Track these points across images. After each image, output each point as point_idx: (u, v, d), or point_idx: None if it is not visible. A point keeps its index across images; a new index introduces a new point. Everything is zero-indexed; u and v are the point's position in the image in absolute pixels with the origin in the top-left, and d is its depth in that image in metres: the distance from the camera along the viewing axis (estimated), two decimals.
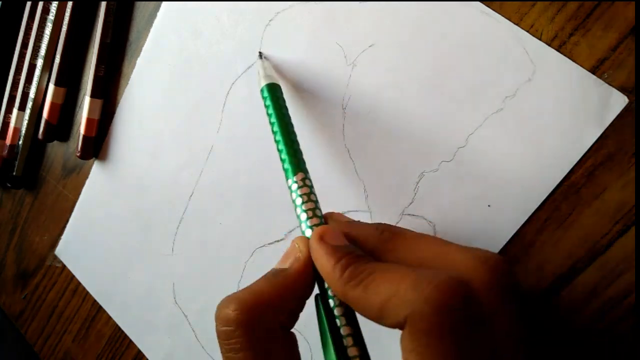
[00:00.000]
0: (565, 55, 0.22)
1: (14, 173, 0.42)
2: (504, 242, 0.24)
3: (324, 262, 0.18)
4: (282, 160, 0.24)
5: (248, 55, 0.30)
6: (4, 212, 0.47)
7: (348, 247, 0.19)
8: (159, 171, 0.35)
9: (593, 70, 0.22)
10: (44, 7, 0.39)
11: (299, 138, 0.25)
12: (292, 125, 0.25)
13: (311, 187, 0.22)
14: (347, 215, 0.24)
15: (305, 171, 0.23)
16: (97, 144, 0.38)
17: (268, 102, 0.26)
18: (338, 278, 0.18)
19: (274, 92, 0.26)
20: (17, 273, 0.47)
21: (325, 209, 0.22)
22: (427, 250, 0.18)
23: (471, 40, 0.24)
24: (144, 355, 0.38)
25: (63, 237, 0.42)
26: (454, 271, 0.16)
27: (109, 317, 0.39)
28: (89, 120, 0.37)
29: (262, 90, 0.26)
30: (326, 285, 0.20)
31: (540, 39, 0.23)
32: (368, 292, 0.17)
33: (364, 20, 0.27)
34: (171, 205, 0.35)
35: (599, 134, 0.22)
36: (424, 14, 0.25)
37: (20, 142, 0.41)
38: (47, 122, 0.39)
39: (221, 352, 0.18)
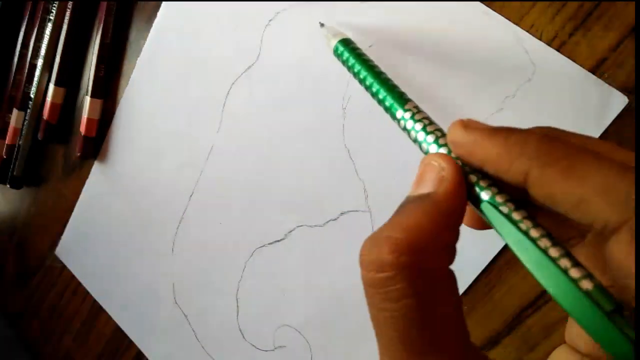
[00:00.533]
0: (565, 55, 0.22)
1: (14, 173, 0.42)
2: (504, 242, 0.24)
3: (494, 144, 0.15)
4: (383, 100, 0.22)
5: (248, 55, 0.30)
6: (4, 212, 0.47)
7: (512, 127, 0.15)
8: (159, 171, 0.35)
9: (593, 70, 0.22)
10: (44, 7, 0.39)
11: (299, 138, 0.25)
12: (379, 67, 0.23)
13: (427, 115, 0.20)
14: (346, 215, 0.24)
15: (412, 101, 0.21)
16: (97, 144, 0.38)
17: (346, 55, 0.24)
18: (519, 156, 0.14)
19: (347, 44, 0.25)
20: (17, 273, 0.47)
21: (325, 208, 0.22)
22: (617, 155, 0.14)
23: (471, 40, 0.24)
24: (144, 355, 0.38)
25: (63, 237, 0.42)
26: None
27: (109, 317, 0.39)
28: (89, 120, 0.37)
29: (335, 49, 0.25)
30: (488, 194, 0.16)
31: (540, 39, 0.23)
32: (570, 177, 0.13)
33: (364, 20, 0.26)
34: (171, 205, 0.35)
35: (599, 134, 0.22)
36: (424, 14, 0.25)
37: (20, 142, 0.41)
38: (47, 122, 0.39)
39: (369, 304, 0.16)
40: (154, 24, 0.34)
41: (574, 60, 0.22)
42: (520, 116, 0.23)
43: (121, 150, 0.37)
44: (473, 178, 0.16)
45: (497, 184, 0.16)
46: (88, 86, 0.37)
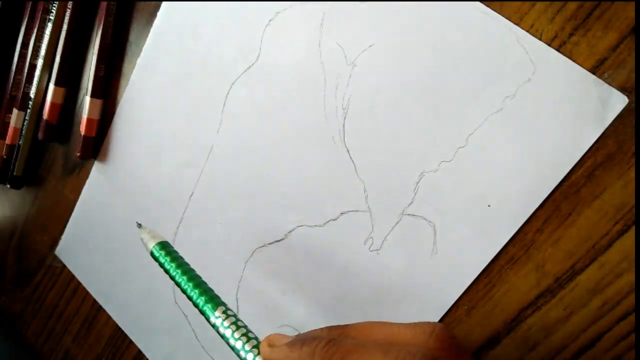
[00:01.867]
0: (565, 55, 0.22)
1: (14, 173, 0.42)
2: (504, 242, 0.24)
3: (294, 356, 0.18)
4: (197, 305, 0.25)
5: (248, 55, 0.30)
6: (4, 212, 0.47)
7: (305, 334, 0.19)
8: (159, 171, 0.35)
9: (593, 70, 0.22)
10: (44, 7, 0.39)
11: (299, 138, 0.25)
12: (193, 270, 0.27)
13: (235, 315, 0.23)
14: (346, 215, 0.24)
15: (223, 304, 0.24)
16: (97, 144, 0.38)
17: (163, 259, 0.27)
18: None
19: (164, 248, 0.27)
20: (17, 273, 0.47)
21: (325, 208, 0.22)
22: (379, 334, 0.19)
23: (471, 40, 0.24)
24: (144, 355, 0.38)
25: (63, 237, 0.42)
26: (414, 347, 0.18)
27: (109, 317, 0.39)
28: (89, 120, 0.37)
29: (152, 252, 0.28)
30: None
31: (540, 39, 0.23)
32: None
33: (364, 20, 0.27)
34: (171, 205, 0.35)
35: (599, 134, 0.22)
36: (424, 14, 0.25)
37: (20, 142, 0.41)
38: (47, 122, 0.39)
39: None
40: (154, 24, 0.34)
41: (574, 60, 0.22)
42: (520, 116, 0.23)
43: (121, 150, 0.37)
44: None
45: None
46: (88, 86, 0.37)
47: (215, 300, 0.24)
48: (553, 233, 0.23)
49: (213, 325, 0.24)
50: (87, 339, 0.42)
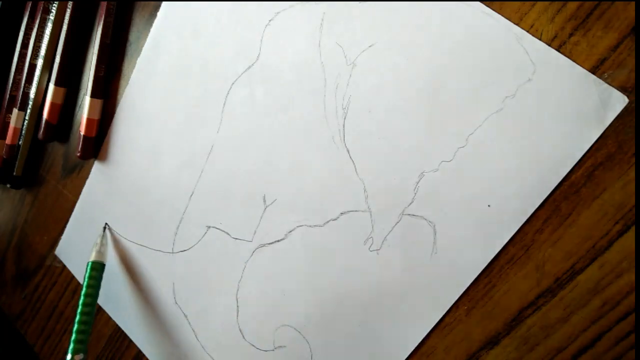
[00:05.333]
0: (565, 55, 0.22)
1: (14, 173, 0.42)
2: (504, 242, 0.24)
3: None
4: (72, 333, 0.28)
5: (248, 55, 0.30)
6: (4, 212, 0.47)
7: None
8: (159, 171, 0.35)
9: (593, 70, 0.22)
10: (44, 7, 0.39)
11: (299, 138, 0.25)
12: (94, 307, 0.30)
13: None
14: (346, 215, 0.24)
15: (85, 351, 0.27)
16: (97, 144, 0.38)
17: (86, 280, 0.31)
18: None
19: (96, 270, 0.31)
20: (17, 273, 0.47)
21: (325, 208, 0.22)
22: None
23: (471, 40, 0.24)
24: (144, 355, 0.38)
25: (63, 237, 0.42)
26: None
27: (109, 317, 0.39)
28: (89, 120, 0.37)
29: (87, 264, 0.31)
30: None
31: (540, 39, 0.23)
32: None
33: (364, 20, 0.27)
34: (171, 205, 0.35)
35: (599, 134, 0.22)
36: (424, 13, 0.25)
37: (20, 142, 0.41)
38: (47, 122, 0.39)
39: None
40: (154, 24, 0.34)
41: (574, 60, 0.22)
42: (520, 116, 0.23)
43: (121, 150, 0.37)
44: None
45: None
46: (88, 86, 0.37)
47: (82, 345, 0.27)
48: (553, 233, 0.23)
49: None
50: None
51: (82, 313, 0.30)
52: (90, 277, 0.31)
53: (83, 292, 0.30)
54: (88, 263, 0.31)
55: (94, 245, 0.32)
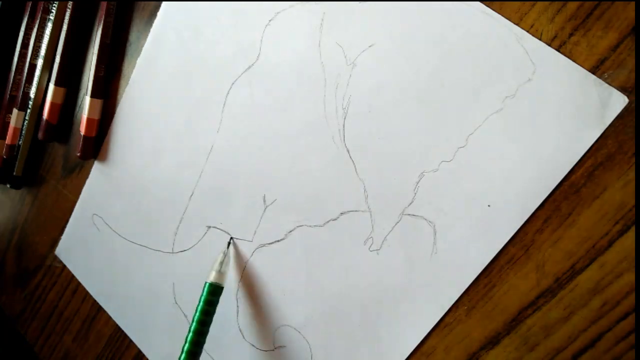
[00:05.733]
0: (565, 55, 0.22)
1: (14, 173, 0.42)
2: (504, 242, 0.24)
3: None
4: (182, 350, 0.27)
5: (248, 55, 0.30)
6: (4, 212, 0.47)
7: None
8: (159, 171, 0.35)
9: (593, 70, 0.22)
10: (44, 7, 0.39)
11: (299, 138, 0.25)
12: (208, 326, 0.28)
13: None
14: (346, 215, 0.24)
15: None
16: (97, 144, 0.38)
17: (201, 304, 0.28)
18: None
19: (213, 294, 0.28)
20: (17, 273, 0.47)
21: (325, 208, 0.22)
22: None
23: (471, 40, 0.24)
24: (144, 355, 0.38)
25: (63, 237, 0.42)
26: None
27: (109, 317, 0.39)
28: (89, 120, 0.37)
29: (205, 285, 0.28)
30: None
31: (540, 39, 0.23)
32: None
33: (364, 20, 0.27)
34: (171, 205, 0.35)
35: (599, 134, 0.22)
36: (424, 14, 0.25)
37: (20, 142, 0.41)
38: (47, 122, 0.39)
39: None
40: (154, 24, 0.34)
41: (574, 60, 0.22)
42: (521, 116, 0.23)
43: (121, 150, 0.37)
44: None
45: None
46: (88, 86, 0.37)
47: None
48: (553, 233, 0.23)
49: None
50: (87, 339, 0.42)
51: (191, 342, 0.26)
52: (205, 302, 0.26)
53: (196, 317, 0.25)
54: (205, 284, 0.27)
55: (214, 263, 0.27)
